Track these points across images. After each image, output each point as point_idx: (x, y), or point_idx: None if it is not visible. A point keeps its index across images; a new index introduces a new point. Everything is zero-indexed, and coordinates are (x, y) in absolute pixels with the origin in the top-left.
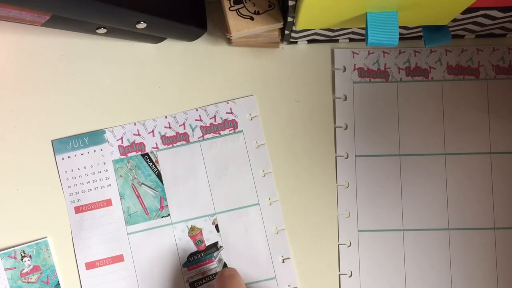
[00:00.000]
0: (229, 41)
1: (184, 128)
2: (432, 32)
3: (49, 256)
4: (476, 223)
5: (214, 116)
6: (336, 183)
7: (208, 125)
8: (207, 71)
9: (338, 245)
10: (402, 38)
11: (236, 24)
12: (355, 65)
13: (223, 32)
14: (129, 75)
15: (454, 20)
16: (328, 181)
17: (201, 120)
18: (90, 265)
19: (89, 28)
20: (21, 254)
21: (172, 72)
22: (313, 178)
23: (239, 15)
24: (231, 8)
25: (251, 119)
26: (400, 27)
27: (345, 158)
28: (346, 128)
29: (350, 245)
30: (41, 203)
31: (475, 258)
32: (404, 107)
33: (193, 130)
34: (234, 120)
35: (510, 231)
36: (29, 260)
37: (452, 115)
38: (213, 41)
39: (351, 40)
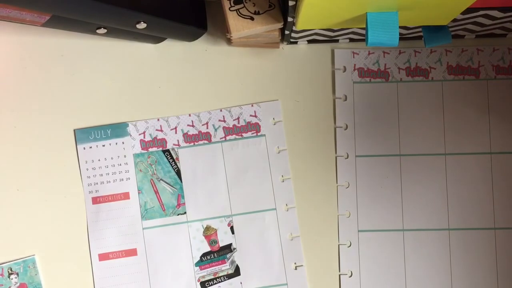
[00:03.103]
0: (229, 41)
1: (207, 128)
2: (432, 32)
3: (36, 274)
4: (476, 223)
5: (238, 118)
6: (337, 183)
7: (231, 126)
8: (207, 72)
9: (338, 245)
10: (402, 38)
11: (236, 24)
12: (355, 65)
13: (223, 32)
14: (128, 75)
15: (454, 20)
16: (329, 181)
17: (224, 121)
18: (103, 257)
19: (89, 28)
20: (8, 272)
21: (171, 72)
22: (315, 178)
23: (239, 15)
24: (231, 8)
25: (275, 124)
26: (400, 27)
27: (345, 158)
28: (346, 128)
29: (350, 245)
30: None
31: (475, 258)
32: (404, 107)
33: (215, 130)
34: (257, 123)
35: (510, 231)
36: (16, 278)
37: (452, 115)
38: (213, 41)
39: (351, 40)
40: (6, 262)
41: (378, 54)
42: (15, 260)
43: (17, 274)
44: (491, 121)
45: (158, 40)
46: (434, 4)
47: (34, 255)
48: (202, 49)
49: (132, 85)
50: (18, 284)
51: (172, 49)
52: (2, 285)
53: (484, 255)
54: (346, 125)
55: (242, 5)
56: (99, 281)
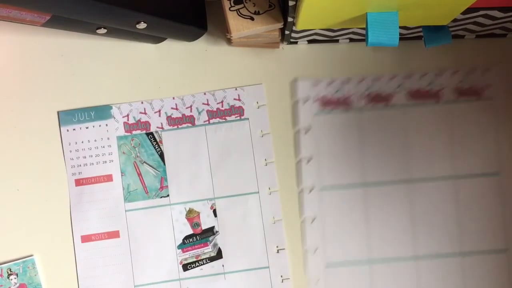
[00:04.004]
0: (229, 41)
1: (191, 111)
2: (432, 32)
3: (35, 275)
4: (443, 250)
5: (222, 102)
6: (301, 218)
7: (214, 109)
8: (208, 71)
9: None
10: (402, 38)
11: (237, 24)
12: (316, 95)
13: (223, 32)
14: (128, 75)
15: (455, 20)
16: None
17: (208, 104)
18: (85, 239)
19: (89, 28)
20: (8, 272)
21: (171, 72)
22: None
23: (239, 15)
24: (231, 8)
25: (258, 108)
26: (400, 27)
27: (310, 191)
28: (309, 161)
29: (318, 280)
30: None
31: (444, 284)
32: (367, 135)
33: (199, 113)
34: (241, 107)
35: (477, 255)
36: (15, 278)
37: (415, 140)
38: (213, 41)
39: (351, 40)
40: (6, 263)
41: (339, 83)
42: (14, 260)
43: (17, 274)
44: (455, 144)
45: (158, 40)
46: (434, 4)
47: (33, 255)
48: (202, 49)
49: (131, 85)
50: (17, 285)
51: (172, 49)
52: (1, 285)
53: (452, 280)
54: (309, 157)
55: (242, 5)
56: (82, 262)
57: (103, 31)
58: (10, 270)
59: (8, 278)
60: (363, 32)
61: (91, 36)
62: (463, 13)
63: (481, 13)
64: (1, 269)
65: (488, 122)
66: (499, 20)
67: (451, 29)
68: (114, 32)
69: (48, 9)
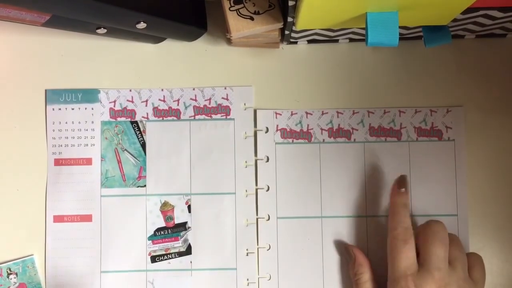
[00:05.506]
0: (229, 41)
1: (178, 105)
2: (432, 32)
3: (35, 274)
4: None
5: (209, 99)
6: (257, 245)
7: (201, 106)
8: (207, 71)
9: None
10: (402, 38)
11: (236, 24)
12: (277, 125)
13: (223, 32)
14: (128, 75)
15: (454, 20)
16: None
17: (195, 100)
18: (58, 219)
19: (89, 28)
20: (7, 272)
21: (172, 72)
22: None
23: (239, 15)
24: (231, 8)
25: (245, 109)
26: (400, 27)
27: (267, 220)
28: (268, 190)
29: None
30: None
31: None
32: (327, 168)
33: (186, 108)
34: (228, 106)
35: None
36: (15, 278)
37: (373, 177)
38: (213, 41)
39: (351, 40)
40: (5, 262)
41: (301, 115)
42: (14, 260)
43: (16, 274)
44: (412, 183)
45: (158, 40)
46: (434, 4)
47: (33, 255)
48: (202, 49)
49: (131, 85)
50: (17, 284)
51: (172, 49)
52: (1, 285)
53: None
54: (268, 187)
55: (242, 5)
56: (51, 242)
57: (103, 31)
58: (10, 269)
59: (8, 277)
60: (363, 32)
61: (91, 36)
62: (463, 13)
63: (481, 13)
64: (1, 269)
65: (448, 162)
66: (499, 20)
67: (451, 29)
68: (114, 32)
69: (48, 9)
